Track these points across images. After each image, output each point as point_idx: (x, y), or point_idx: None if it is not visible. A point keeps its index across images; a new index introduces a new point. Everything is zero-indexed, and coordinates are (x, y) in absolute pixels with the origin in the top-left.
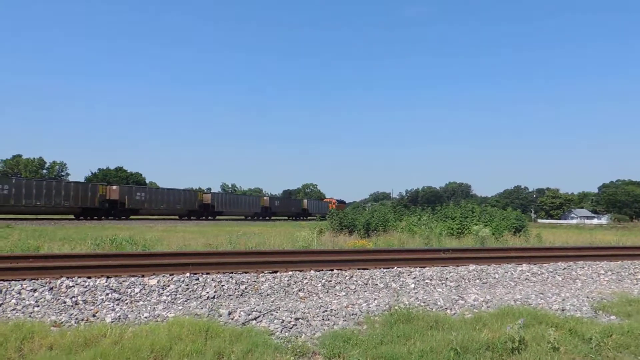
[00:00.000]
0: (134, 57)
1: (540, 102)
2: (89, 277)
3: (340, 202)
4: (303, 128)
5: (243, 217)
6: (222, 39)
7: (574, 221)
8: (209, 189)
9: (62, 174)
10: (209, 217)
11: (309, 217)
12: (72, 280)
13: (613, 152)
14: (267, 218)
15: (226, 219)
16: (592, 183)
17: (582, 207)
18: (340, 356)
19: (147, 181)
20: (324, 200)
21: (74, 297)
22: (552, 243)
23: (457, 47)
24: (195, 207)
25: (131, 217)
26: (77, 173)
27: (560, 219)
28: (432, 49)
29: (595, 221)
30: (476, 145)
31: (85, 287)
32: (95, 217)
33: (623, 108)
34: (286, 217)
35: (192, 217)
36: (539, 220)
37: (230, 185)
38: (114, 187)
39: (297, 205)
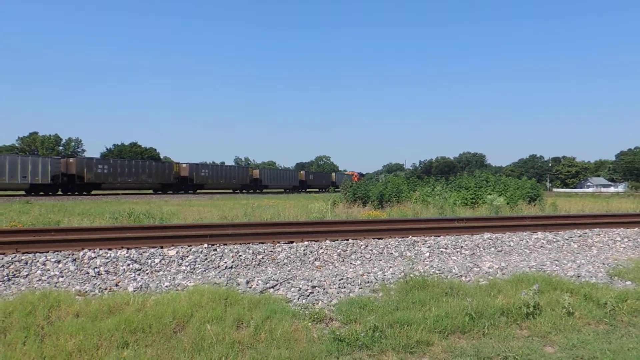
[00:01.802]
0: (147, 31)
1: (556, 71)
2: (110, 249)
3: (361, 175)
4: (315, 100)
5: (282, 190)
6: (234, 14)
7: (590, 190)
8: (223, 162)
9: (78, 150)
10: (257, 190)
11: (336, 190)
12: (94, 252)
13: (631, 119)
14: (302, 190)
15: (271, 192)
16: (609, 151)
17: (598, 176)
18: (356, 322)
19: (161, 156)
20: (347, 173)
21: (96, 267)
22: (568, 211)
23: (469, 16)
24: (247, 181)
25: (198, 191)
26: (93, 149)
27: (576, 187)
28: (444, 19)
29: (612, 189)
30: (490, 115)
31: (107, 258)
32: (170, 192)
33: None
34: (317, 190)
35: (243, 191)
36: (555, 189)
37: (243, 159)
38: (184, 165)
39: (328, 179)
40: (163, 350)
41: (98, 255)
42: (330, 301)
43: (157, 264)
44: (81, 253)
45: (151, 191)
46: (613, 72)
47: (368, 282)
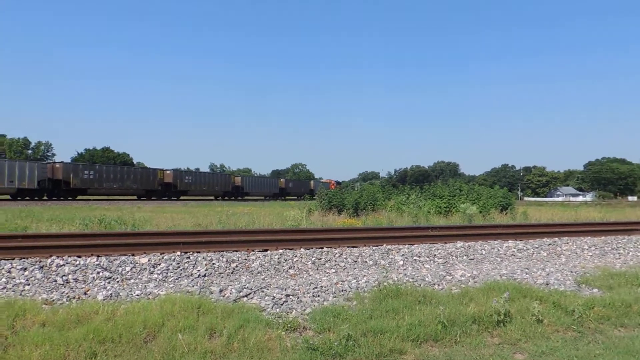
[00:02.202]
0: (118, 32)
1: (527, 81)
2: (79, 256)
3: (338, 183)
4: (291, 108)
5: (263, 198)
6: (209, 15)
7: (560, 199)
8: (197, 169)
9: (48, 154)
10: (238, 198)
11: (313, 197)
12: (63, 259)
13: (599, 130)
14: (282, 198)
15: (252, 199)
16: (578, 161)
17: (567, 185)
18: (330, 331)
19: (134, 161)
20: (324, 181)
21: (64, 275)
22: (538, 220)
23: (445, 25)
24: (229, 188)
25: (181, 197)
26: (63, 153)
27: (546, 196)
28: (418, 27)
29: (580, 198)
30: (464, 124)
31: (76, 265)
32: (154, 198)
33: (608, 87)
34: (296, 197)
35: (225, 198)
36: (526, 198)
37: (219, 166)
38: (168, 172)
39: (306, 187)
40: None
41: (66, 263)
42: (304, 310)
43: (128, 272)
44: (49, 260)
45: (135, 197)
46: (582, 84)
47: (342, 290)
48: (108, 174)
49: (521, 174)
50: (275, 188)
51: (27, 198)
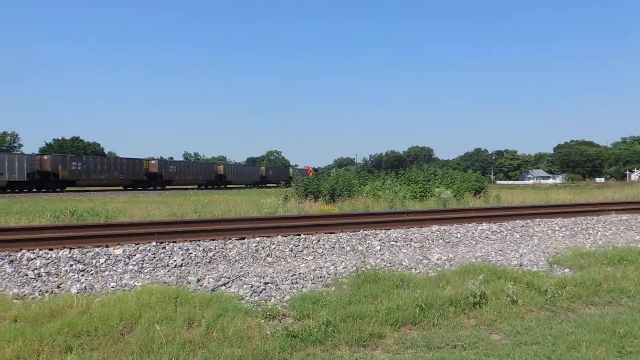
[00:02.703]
0: (86, 19)
1: (498, 67)
2: (51, 249)
3: (315, 170)
4: (265, 94)
5: (244, 186)
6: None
7: (531, 181)
8: (171, 157)
9: (15, 145)
10: (222, 186)
11: (289, 185)
12: (34, 253)
13: (568, 114)
14: (262, 185)
15: (234, 187)
16: (548, 144)
17: (538, 168)
18: (309, 317)
19: (105, 151)
20: (303, 168)
21: (36, 269)
22: (511, 203)
23: (420, 10)
24: (212, 177)
25: (166, 187)
26: (30, 144)
27: (517, 179)
28: (392, 15)
29: (550, 181)
30: (438, 109)
31: (48, 259)
32: (140, 188)
33: (577, 71)
34: (275, 185)
35: (209, 187)
36: (498, 182)
37: (192, 154)
38: (153, 162)
39: (286, 174)
40: (110, 353)
41: (38, 256)
42: (283, 297)
43: (102, 263)
44: (19, 254)
45: (122, 188)
46: (551, 70)
47: (320, 277)
48: (95, 165)
49: (493, 158)
50: (256, 176)
51: (17, 190)
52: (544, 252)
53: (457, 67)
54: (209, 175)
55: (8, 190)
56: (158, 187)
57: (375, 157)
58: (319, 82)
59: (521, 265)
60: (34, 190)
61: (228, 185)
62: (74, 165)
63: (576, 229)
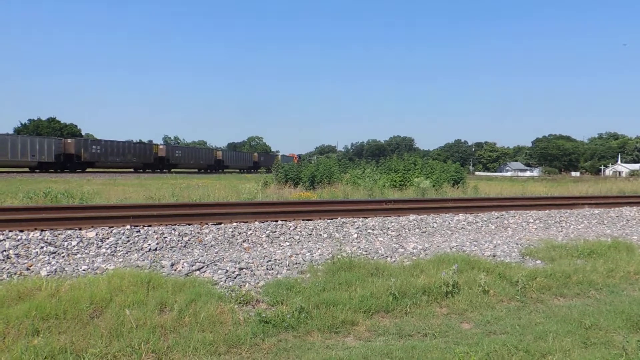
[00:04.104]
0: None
1: (480, 60)
2: (22, 231)
3: (299, 157)
4: (247, 81)
5: (239, 170)
6: None
7: (509, 174)
8: (150, 141)
9: None
10: (220, 170)
11: (269, 170)
12: (3, 234)
13: (546, 108)
14: (254, 171)
15: (230, 171)
16: (526, 137)
17: (516, 160)
18: (283, 303)
19: (82, 133)
20: (289, 155)
21: (4, 250)
22: (488, 194)
23: (403, 7)
24: (212, 162)
25: (172, 170)
26: (5, 124)
27: (496, 171)
28: (374, 7)
29: (527, 173)
30: (419, 100)
31: (18, 240)
32: (148, 170)
33: (556, 67)
34: (267, 170)
35: (208, 171)
36: (477, 173)
37: (173, 138)
38: (161, 147)
39: (275, 160)
40: (78, 337)
41: (7, 238)
42: (258, 283)
43: (74, 246)
44: None
45: (132, 170)
46: (532, 65)
47: (296, 263)
48: (112, 148)
49: (473, 149)
50: (249, 162)
51: (51, 170)
52: (517, 244)
53: (439, 60)
54: (210, 160)
55: (37, 170)
56: (165, 170)
57: (356, 145)
58: (302, 69)
59: (494, 256)
60: (60, 170)
61: (225, 170)
62: (94, 149)
63: (550, 221)
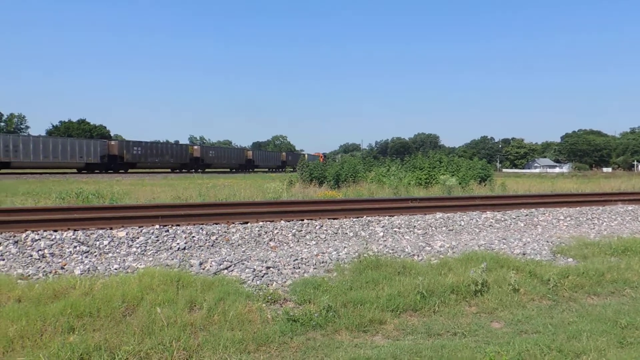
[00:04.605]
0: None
1: (506, 56)
2: (56, 231)
3: (325, 156)
4: (272, 80)
5: (267, 170)
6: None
7: (537, 170)
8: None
9: (22, 126)
10: (250, 170)
11: (294, 169)
12: (38, 234)
13: (576, 103)
14: (282, 170)
15: (261, 171)
16: (555, 133)
17: (545, 157)
18: (310, 302)
19: (111, 134)
20: (315, 154)
21: (40, 250)
22: (516, 191)
23: (428, 3)
24: (243, 161)
25: (206, 170)
26: (38, 126)
27: (524, 168)
28: (403, 3)
29: (557, 170)
30: (445, 96)
31: (52, 240)
32: (184, 170)
33: (586, 62)
34: (292, 169)
35: (239, 170)
36: (504, 170)
37: (198, 138)
38: (196, 147)
39: (302, 159)
40: (111, 334)
41: (42, 237)
42: (285, 282)
43: (105, 245)
44: (24, 235)
45: (169, 170)
46: (561, 59)
47: (322, 262)
48: (152, 149)
49: (500, 146)
50: (278, 161)
51: (97, 171)
52: (547, 242)
53: (464, 56)
54: (241, 159)
55: (84, 171)
56: (199, 170)
57: (381, 143)
58: (325, 67)
59: (524, 254)
60: (107, 171)
61: (255, 169)
62: (135, 150)
63: (581, 218)
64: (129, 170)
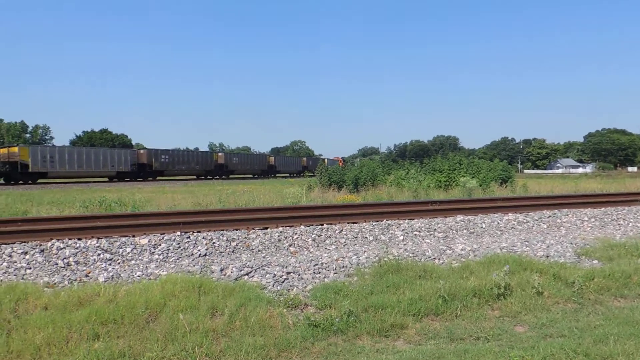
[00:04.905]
0: (112, 13)
1: (526, 55)
2: (80, 239)
3: (344, 160)
4: (290, 85)
5: (288, 175)
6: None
7: (560, 171)
8: (196, 148)
9: (46, 137)
10: (272, 175)
11: (313, 174)
12: (63, 242)
13: (598, 101)
14: (302, 175)
15: (282, 176)
16: (578, 132)
17: (567, 157)
18: (331, 307)
19: (132, 142)
20: (334, 158)
21: (65, 258)
22: (538, 192)
23: (447, 4)
24: (265, 167)
25: (230, 176)
26: (61, 136)
27: (546, 169)
28: (421, 7)
29: (580, 170)
30: (464, 98)
31: (77, 248)
32: (209, 177)
33: (608, 59)
34: (312, 174)
35: (262, 176)
36: (525, 171)
37: (217, 145)
38: (220, 154)
39: (321, 164)
40: (135, 341)
41: (67, 246)
42: (305, 287)
43: (128, 253)
44: (49, 243)
45: (194, 177)
46: (581, 57)
47: (343, 266)
48: (178, 157)
49: (521, 147)
50: (299, 166)
51: (126, 179)
52: (571, 243)
53: (484, 57)
54: (263, 165)
55: (115, 180)
56: (223, 177)
57: (399, 146)
58: (344, 71)
59: (548, 257)
60: (137, 179)
61: (277, 175)
62: (163, 158)
63: (606, 219)
64: (157, 178)
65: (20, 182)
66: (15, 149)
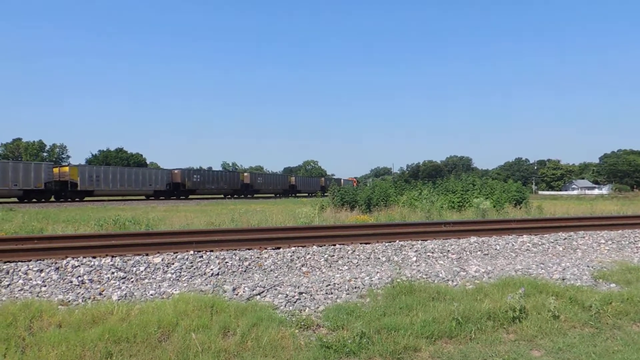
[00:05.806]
0: (127, 36)
1: (540, 75)
2: (94, 257)
3: (357, 181)
4: (302, 105)
5: (307, 194)
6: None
7: (575, 192)
8: (210, 167)
9: (63, 156)
10: (292, 195)
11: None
12: (78, 260)
13: (614, 122)
14: (322, 194)
15: (302, 196)
16: (593, 153)
17: (583, 178)
18: (343, 328)
19: (147, 162)
20: (349, 179)
21: (79, 276)
22: (553, 214)
23: (458, 23)
24: (287, 187)
25: (255, 195)
26: (78, 155)
27: (561, 190)
28: (432, 24)
29: (596, 191)
30: (477, 118)
31: (91, 266)
32: (235, 196)
33: (623, 79)
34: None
35: (283, 195)
36: (540, 192)
37: (231, 164)
38: (246, 174)
39: (338, 184)
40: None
41: (82, 264)
42: (318, 307)
43: (142, 271)
44: (64, 261)
45: (222, 196)
46: (596, 75)
47: (355, 287)
48: (208, 177)
49: (535, 168)
50: (317, 186)
51: (162, 198)
52: (588, 266)
53: (496, 77)
54: (285, 185)
55: (151, 198)
56: (248, 196)
57: (412, 166)
58: (355, 89)
59: (564, 280)
60: (167, 198)
61: (297, 194)
62: (195, 178)
63: (623, 242)
64: (190, 197)
65: (69, 199)
66: (66, 169)
